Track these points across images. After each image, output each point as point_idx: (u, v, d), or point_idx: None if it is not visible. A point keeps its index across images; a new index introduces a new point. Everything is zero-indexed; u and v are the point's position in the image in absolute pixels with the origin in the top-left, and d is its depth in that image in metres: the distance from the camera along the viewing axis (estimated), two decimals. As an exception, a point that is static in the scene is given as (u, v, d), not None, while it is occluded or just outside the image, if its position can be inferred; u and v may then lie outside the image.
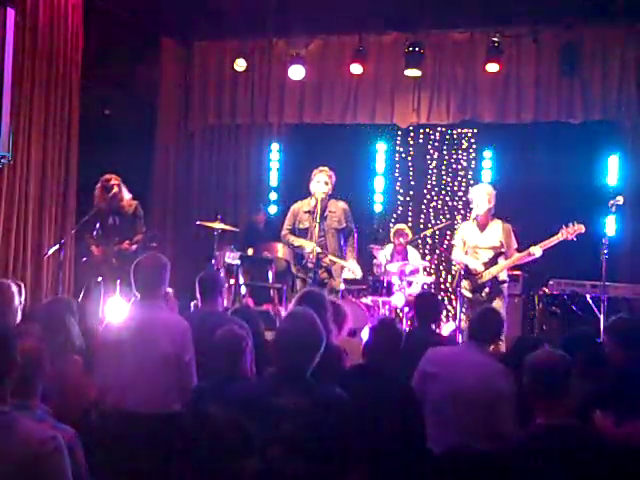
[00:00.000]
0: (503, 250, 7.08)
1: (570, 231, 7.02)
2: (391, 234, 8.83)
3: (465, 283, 7.17)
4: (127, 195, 7.17)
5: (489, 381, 4.02)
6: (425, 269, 8.58)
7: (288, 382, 3.00)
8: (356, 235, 7.60)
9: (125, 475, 3.36)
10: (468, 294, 7.19)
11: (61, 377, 3.92)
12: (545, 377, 3.11)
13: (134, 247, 6.82)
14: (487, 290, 7.05)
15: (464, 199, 9.49)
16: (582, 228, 7.04)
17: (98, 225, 7.05)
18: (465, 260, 7.17)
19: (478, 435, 3.83)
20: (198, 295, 4.92)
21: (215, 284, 4.86)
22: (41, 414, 2.91)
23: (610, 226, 8.25)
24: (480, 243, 7.17)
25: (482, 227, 7.19)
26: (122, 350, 3.84)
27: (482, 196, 7.13)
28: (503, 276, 7.15)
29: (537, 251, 7.01)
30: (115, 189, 7.02)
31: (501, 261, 7.10)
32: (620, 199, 7.65)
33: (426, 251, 9.87)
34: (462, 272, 7.12)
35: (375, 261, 8.52)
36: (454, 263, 7.55)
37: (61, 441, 2.51)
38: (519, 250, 7.14)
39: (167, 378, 3.82)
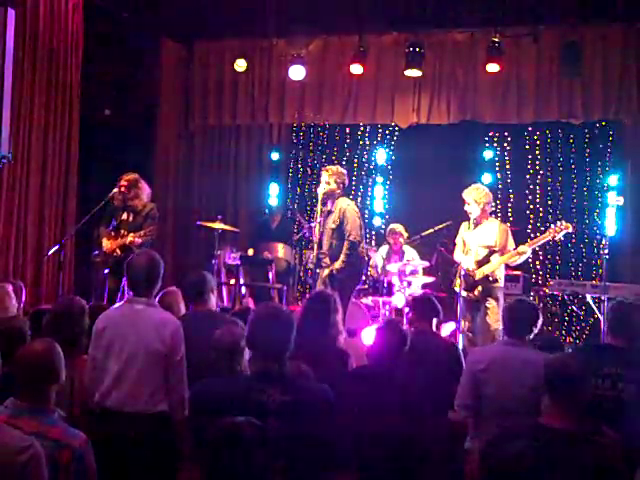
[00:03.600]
0: (497, 249, 7.02)
1: (557, 230, 6.94)
2: (385, 234, 8.81)
3: (459, 281, 7.11)
4: (144, 196, 7.09)
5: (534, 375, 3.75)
6: (425, 269, 8.55)
7: (269, 377, 2.94)
8: (348, 243, 6.97)
9: (110, 476, 3.32)
10: (462, 292, 7.13)
11: (71, 377, 3.91)
12: (557, 381, 3.08)
13: (139, 240, 6.70)
14: (479, 289, 6.99)
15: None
16: (569, 227, 6.94)
17: (114, 221, 7.04)
18: (461, 259, 7.14)
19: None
20: (187, 299, 4.89)
21: (201, 285, 4.78)
22: (54, 418, 2.89)
23: (610, 226, 8.23)
24: (475, 241, 7.12)
25: (475, 225, 7.14)
26: (109, 347, 3.79)
27: (471, 198, 7.07)
28: (497, 275, 7.09)
29: (525, 250, 6.96)
30: (123, 189, 6.99)
31: (494, 260, 7.03)
32: (620, 199, 7.65)
33: (426, 251, 9.84)
34: (462, 272, 7.08)
35: (371, 262, 8.38)
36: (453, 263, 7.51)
37: (38, 450, 2.52)
38: (515, 251, 7.10)
39: (155, 377, 3.75)
